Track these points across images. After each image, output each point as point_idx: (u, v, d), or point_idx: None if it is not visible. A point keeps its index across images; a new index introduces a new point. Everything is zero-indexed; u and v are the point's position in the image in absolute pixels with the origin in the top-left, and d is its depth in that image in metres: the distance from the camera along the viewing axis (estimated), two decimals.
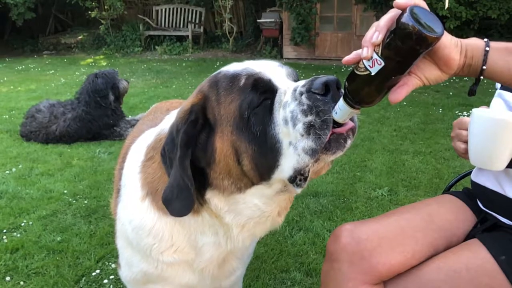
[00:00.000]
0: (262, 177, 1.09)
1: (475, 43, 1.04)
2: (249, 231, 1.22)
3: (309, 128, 0.98)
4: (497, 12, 9.90)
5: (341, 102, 0.95)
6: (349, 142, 1.02)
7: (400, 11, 0.88)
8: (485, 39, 1.05)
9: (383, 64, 0.87)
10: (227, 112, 1.10)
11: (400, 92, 0.95)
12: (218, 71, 1.19)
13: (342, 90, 0.98)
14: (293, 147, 1.01)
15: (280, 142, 1.03)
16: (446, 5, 9.46)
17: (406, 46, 0.84)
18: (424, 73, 0.99)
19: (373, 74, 0.88)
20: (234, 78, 1.12)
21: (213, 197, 1.16)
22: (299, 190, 1.08)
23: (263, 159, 1.06)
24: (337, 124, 0.99)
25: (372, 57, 0.88)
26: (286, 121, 1.02)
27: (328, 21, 12.13)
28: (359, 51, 0.92)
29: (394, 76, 0.90)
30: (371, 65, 0.88)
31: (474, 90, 1.10)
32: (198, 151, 1.14)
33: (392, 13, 0.90)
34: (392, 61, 0.87)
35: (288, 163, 1.03)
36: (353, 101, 0.92)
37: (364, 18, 11.63)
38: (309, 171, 1.04)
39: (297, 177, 1.04)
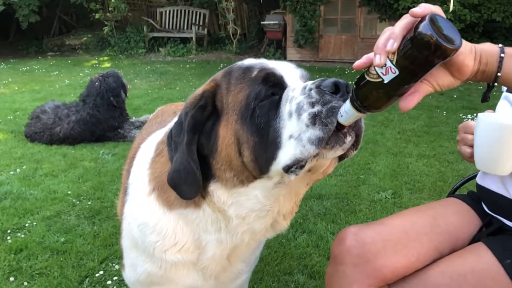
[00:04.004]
0: (262, 170, 1.08)
1: (490, 48, 1.02)
2: (249, 225, 1.20)
3: (315, 118, 0.97)
4: (502, 15, 9.89)
5: (347, 105, 0.93)
6: (348, 138, 1.00)
7: (415, 19, 0.86)
8: (500, 45, 1.04)
9: (397, 72, 0.85)
10: (235, 101, 1.11)
11: (411, 100, 0.93)
12: (234, 63, 1.21)
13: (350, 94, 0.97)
14: (295, 139, 0.99)
15: (280, 136, 1.03)
16: (451, 8, 9.46)
17: (423, 56, 0.82)
18: (436, 80, 0.98)
19: (386, 82, 0.86)
20: (247, 69, 1.14)
21: (216, 190, 1.17)
22: (292, 177, 1.05)
23: (263, 151, 1.06)
24: (341, 127, 0.97)
25: (385, 64, 0.86)
26: (291, 113, 1.01)
27: (331, 24, 12.14)
28: (370, 55, 0.90)
29: (407, 85, 0.89)
30: (384, 73, 0.86)
31: (488, 97, 1.09)
32: (202, 138, 1.15)
33: (406, 20, 0.88)
34: (407, 70, 0.85)
35: (286, 154, 1.01)
36: (361, 105, 0.91)
37: (368, 21, 11.64)
38: (306, 162, 1.02)
39: (294, 166, 1.02)
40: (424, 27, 0.81)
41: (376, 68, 0.87)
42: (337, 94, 0.99)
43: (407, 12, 0.89)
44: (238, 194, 1.15)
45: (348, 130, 1.00)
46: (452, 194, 1.85)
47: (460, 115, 6.28)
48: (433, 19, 0.83)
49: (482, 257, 1.36)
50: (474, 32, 10.44)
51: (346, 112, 0.94)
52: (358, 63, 0.94)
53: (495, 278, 1.31)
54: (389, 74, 0.85)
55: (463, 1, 9.82)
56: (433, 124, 5.83)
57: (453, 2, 9.58)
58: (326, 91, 0.99)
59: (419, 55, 0.82)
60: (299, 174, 1.04)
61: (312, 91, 1.00)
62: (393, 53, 0.85)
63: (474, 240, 1.50)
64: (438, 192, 3.68)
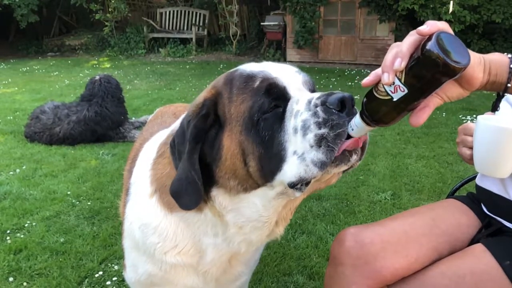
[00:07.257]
0: (266, 178, 1.08)
1: (499, 59, 1.02)
2: (245, 235, 1.21)
3: (321, 140, 0.97)
4: (501, 16, 9.88)
5: (357, 119, 0.93)
6: (354, 156, 1.01)
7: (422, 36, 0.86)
8: (509, 55, 1.03)
9: (406, 91, 0.85)
10: (238, 112, 1.09)
11: (421, 116, 0.92)
12: (235, 68, 1.18)
13: (356, 109, 0.97)
14: (299, 157, 1.00)
15: (285, 150, 1.03)
16: (451, 9, 9.47)
17: (431, 75, 0.82)
18: (445, 92, 0.97)
19: (395, 99, 0.86)
20: (249, 78, 1.11)
21: (218, 195, 1.16)
22: (298, 194, 1.07)
23: (268, 162, 1.06)
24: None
25: (394, 83, 0.85)
26: (296, 129, 1.01)
27: (331, 25, 12.13)
28: (378, 71, 0.89)
29: (417, 101, 0.88)
30: (393, 91, 0.86)
31: (498, 106, 1.09)
32: (206, 147, 1.14)
33: (413, 37, 0.87)
34: (415, 88, 0.84)
35: (291, 170, 1.02)
36: (371, 119, 0.91)
37: (367, 22, 11.63)
38: (310, 181, 1.03)
39: (299, 183, 1.03)
40: (431, 46, 0.81)
41: (384, 86, 0.87)
42: (343, 111, 0.98)
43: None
44: (239, 200, 1.15)
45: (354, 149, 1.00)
46: (451, 195, 1.85)
47: (460, 116, 6.29)
48: (440, 38, 0.82)
49: (481, 258, 1.36)
50: (474, 33, 10.44)
51: (357, 125, 0.94)
52: (366, 80, 0.93)
53: (495, 279, 1.31)
54: (398, 92, 0.85)
55: (463, 3, 9.82)
56: (432, 125, 5.83)
57: (453, 4, 9.59)
58: (332, 108, 0.98)
59: (427, 74, 0.82)
60: (304, 191, 1.05)
61: (318, 109, 0.99)
62: (401, 71, 0.85)
63: (473, 241, 1.50)
64: (437, 193, 3.69)
